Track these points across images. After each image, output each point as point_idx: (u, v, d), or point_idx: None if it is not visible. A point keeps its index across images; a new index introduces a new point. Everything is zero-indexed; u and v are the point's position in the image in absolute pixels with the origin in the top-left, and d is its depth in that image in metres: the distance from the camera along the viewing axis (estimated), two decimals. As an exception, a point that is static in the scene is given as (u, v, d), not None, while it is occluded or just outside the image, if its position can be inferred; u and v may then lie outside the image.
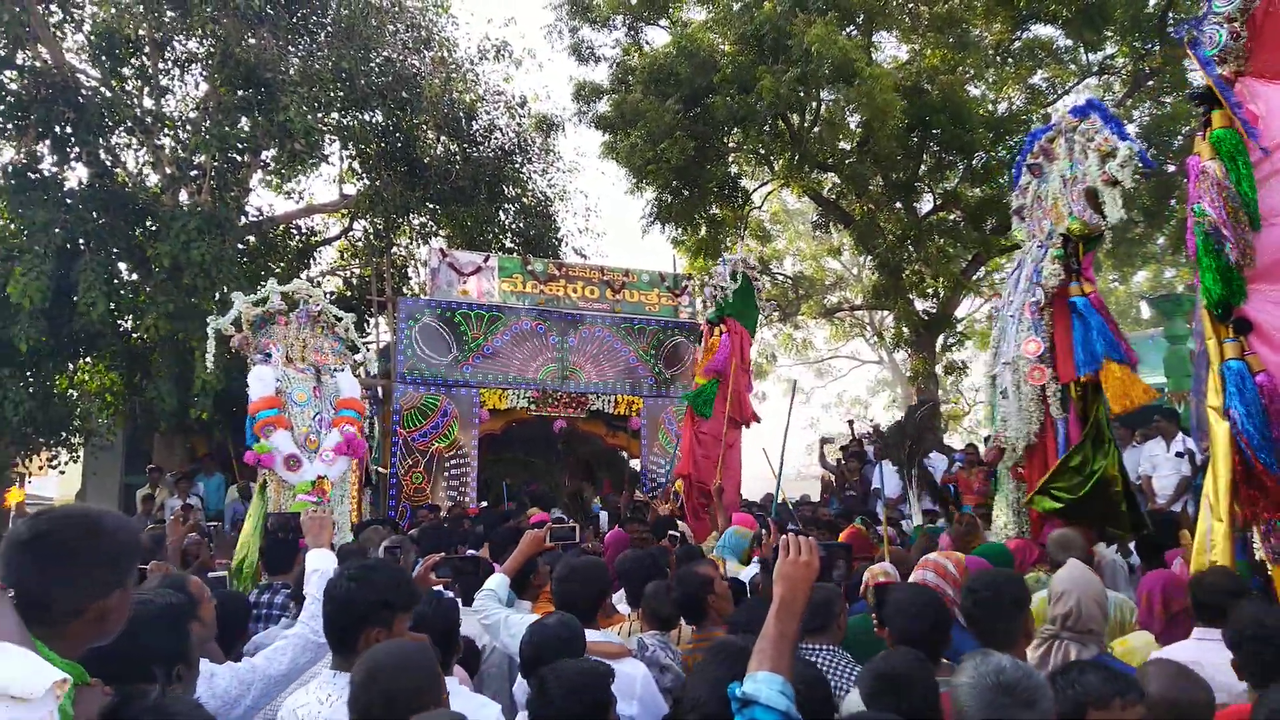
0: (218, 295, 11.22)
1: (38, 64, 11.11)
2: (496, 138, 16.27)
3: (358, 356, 7.42)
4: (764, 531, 5.64)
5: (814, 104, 14.22)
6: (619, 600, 4.04)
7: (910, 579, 3.39)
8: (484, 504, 11.05)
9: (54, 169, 11.54)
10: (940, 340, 17.49)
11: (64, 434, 12.36)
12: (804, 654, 2.74)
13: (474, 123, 16.01)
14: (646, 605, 3.38)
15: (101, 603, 1.54)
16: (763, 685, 1.72)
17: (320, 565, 2.68)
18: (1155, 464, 8.03)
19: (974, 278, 18.08)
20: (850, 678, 2.76)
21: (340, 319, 7.38)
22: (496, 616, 3.31)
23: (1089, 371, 4.84)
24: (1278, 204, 3.67)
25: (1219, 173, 3.59)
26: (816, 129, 14.40)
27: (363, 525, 7.13)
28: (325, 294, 16.15)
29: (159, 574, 3.05)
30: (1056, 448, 5.00)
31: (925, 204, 16.85)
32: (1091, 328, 4.87)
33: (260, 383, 6.63)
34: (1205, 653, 2.89)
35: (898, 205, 16.13)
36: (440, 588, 3.26)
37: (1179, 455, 7.83)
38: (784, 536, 2.02)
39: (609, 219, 48.25)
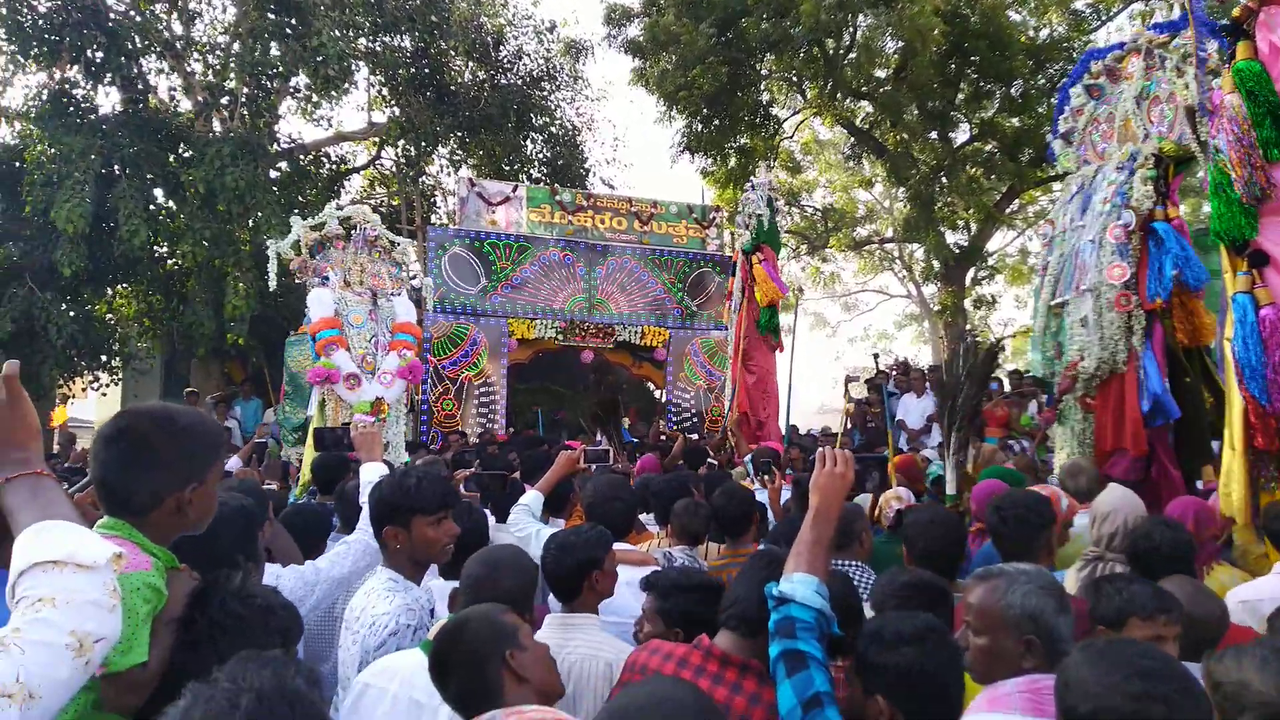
0: (251, 222, 11.35)
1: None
2: (525, 64, 16.09)
3: (414, 281, 7.51)
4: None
5: (851, 29, 13.88)
6: (649, 520, 4.19)
7: (1084, 508, 3.42)
8: (511, 430, 11.28)
9: (88, 95, 11.61)
10: (970, 274, 17.33)
11: (104, 358, 12.69)
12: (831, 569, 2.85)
13: (502, 48, 15.81)
14: (675, 521, 3.51)
15: (178, 494, 1.64)
16: (798, 585, 1.82)
17: (373, 477, 2.81)
18: None
19: (1007, 211, 17.80)
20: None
21: (397, 243, 7.43)
22: (528, 530, 3.46)
23: (1161, 298, 4.65)
24: None
25: (1236, 106, 3.54)
26: (852, 55, 14.08)
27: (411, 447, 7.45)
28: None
29: (240, 479, 3.21)
30: (1137, 378, 4.75)
31: (961, 135, 16.51)
32: (1170, 253, 4.64)
33: (319, 304, 6.75)
34: None
35: (932, 135, 15.82)
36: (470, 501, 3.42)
37: None
38: (820, 449, 2.10)
39: (636, 150, 47.68)
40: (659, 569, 2.86)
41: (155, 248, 12.12)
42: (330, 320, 6.69)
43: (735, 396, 8.43)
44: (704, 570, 3.15)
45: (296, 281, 7.31)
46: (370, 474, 2.89)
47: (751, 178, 9.88)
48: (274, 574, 2.54)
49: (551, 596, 2.62)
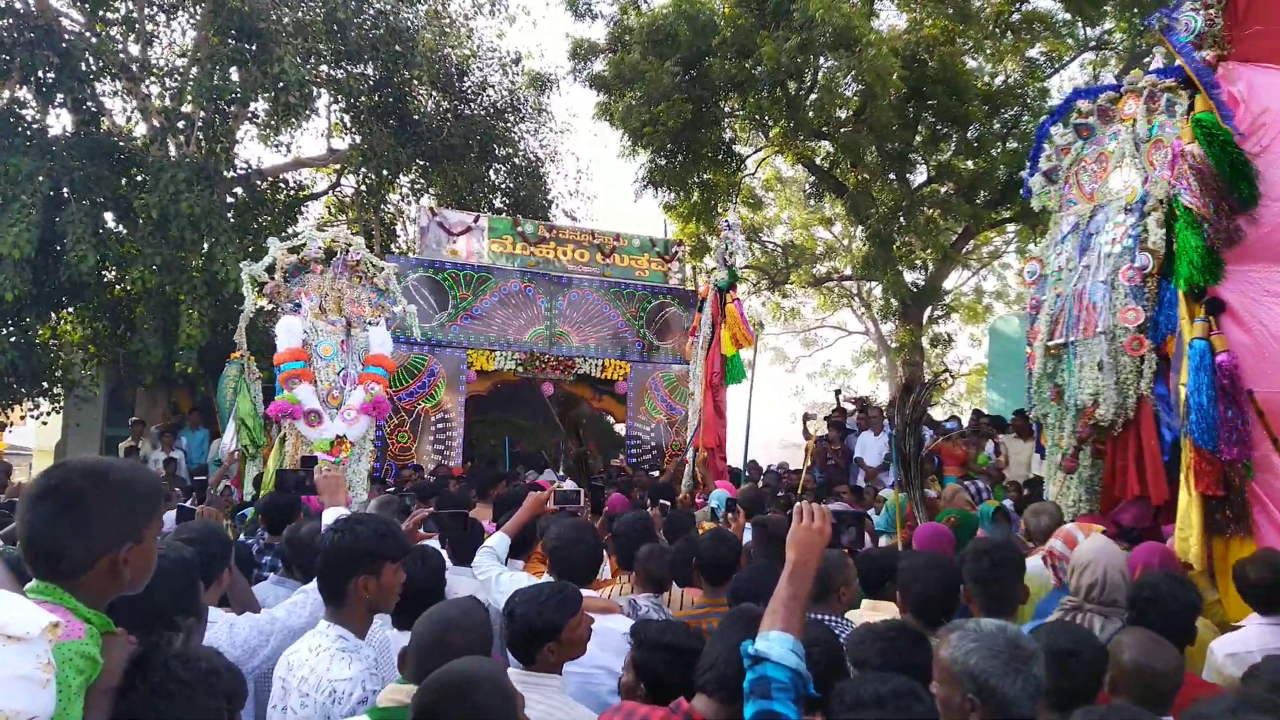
0: (205, 248, 11.11)
1: (18, 6, 10.85)
2: (489, 95, 16.09)
3: (397, 309, 7.17)
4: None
5: (812, 71, 14.13)
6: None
7: (1039, 551, 3.38)
8: (468, 464, 11.10)
9: (38, 115, 11.33)
10: (928, 312, 17.59)
11: (45, 384, 12.27)
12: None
13: (466, 79, 15.81)
14: (640, 567, 3.43)
15: (113, 555, 1.53)
16: (774, 644, 1.78)
17: None
18: None
19: (963, 251, 18.15)
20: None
21: (381, 269, 7.09)
22: (489, 574, 3.36)
23: (1160, 340, 4.55)
24: (1269, 184, 3.70)
25: (1198, 155, 3.63)
26: (814, 96, 14.32)
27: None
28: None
29: (203, 519, 3.08)
30: (1154, 423, 4.58)
31: (918, 176, 16.85)
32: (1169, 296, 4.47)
33: (288, 333, 6.47)
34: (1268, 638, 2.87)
35: (891, 176, 16.11)
36: (426, 543, 3.30)
37: None
38: (798, 503, 2.07)
39: (600, 183, 47.89)
40: (638, 620, 2.78)
41: (104, 273, 11.79)
42: (296, 352, 6.42)
43: (699, 431, 8.38)
44: (683, 625, 3.07)
45: (265, 306, 7.04)
46: (332, 519, 2.77)
47: (726, 216, 9.94)
48: (229, 622, 2.41)
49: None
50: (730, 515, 4.98)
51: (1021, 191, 6.03)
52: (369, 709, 1.97)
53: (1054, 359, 5.25)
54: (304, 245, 6.70)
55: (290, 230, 15.47)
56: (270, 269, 6.63)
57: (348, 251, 6.93)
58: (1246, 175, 3.63)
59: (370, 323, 6.89)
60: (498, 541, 3.53)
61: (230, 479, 8.18)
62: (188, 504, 5.13)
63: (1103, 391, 4.75)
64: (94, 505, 1.52)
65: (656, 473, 10.00)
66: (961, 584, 2.88)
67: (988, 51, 15.86)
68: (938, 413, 19.17)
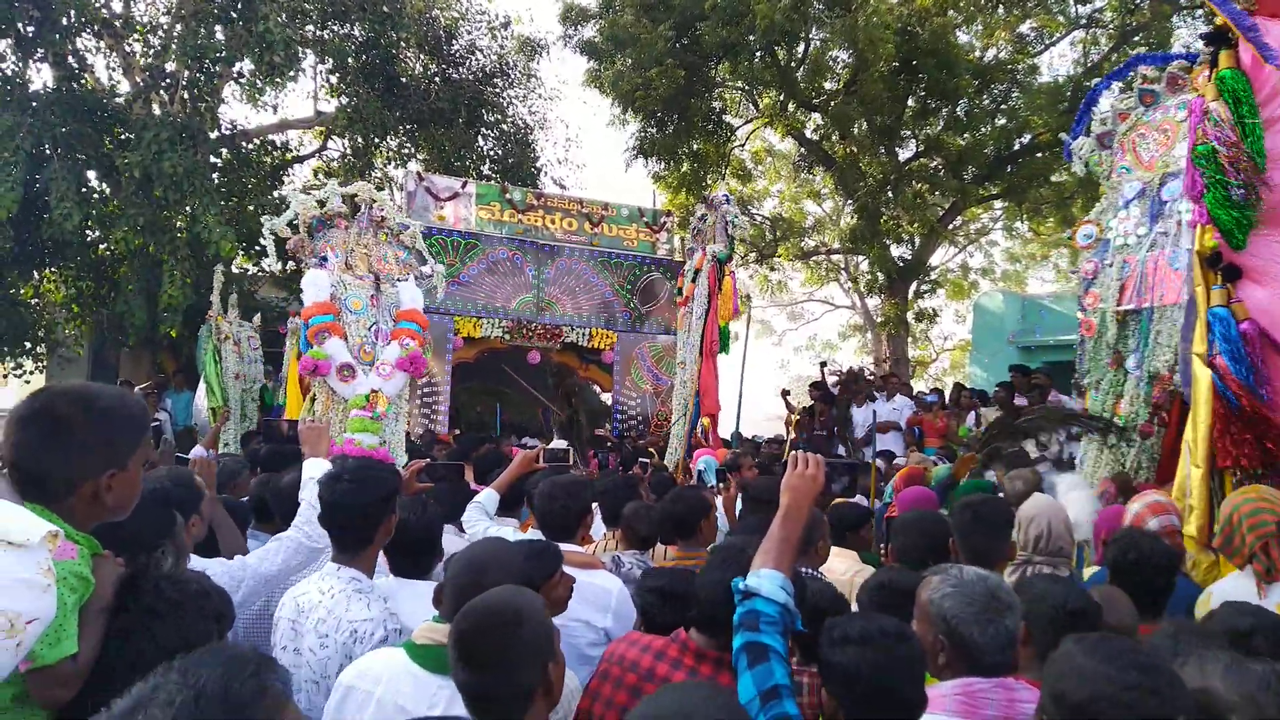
0: (189, 209, 11.01)
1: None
2: (477, 59, 15.93)
3: (425, 268, 6.82)
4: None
5: (805, 37, 14.05)
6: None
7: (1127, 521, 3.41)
8: (455, 431, 11.13)
9: (18, 70, 11.14)
10: (913, 287, 17.67)
11: (28, 344, 12.18)
12: None
13: (454, 42, 15.64)
14: (626, 525, 3.49)
15: (95, 481, 1.56)
16: (764, 580, 1.85)
17: (316, 473, 2.72)
18: None
19: (950, 226, 18.20)
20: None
21: (406, 226, 6.80)
22: (477, 528, 3.41)
23: None
24: None
25: (1224, 114, 3.54)
26: (805, 66, 14.26)
27: None
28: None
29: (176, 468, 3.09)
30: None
31: (907, 150, 16.84)
32: None
33: (314, 287, 6.15)
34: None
35: (880, 150, 16.10)
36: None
37: None
38: (793, 452, 2.15)
39: (589, 151, 47.55)
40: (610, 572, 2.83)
41: (87, 232, 11.67)
42: (325, 305, 6.08)
43: (701, 400, 8.42)
44: (671, 572, 3.13)
45: (293, 262, 6.60)
46: (313, 469, 2.79)
47: (716, 189, 9.97)
48: (200, 566, 2.44)
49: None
50: (721, 485, 5.05)
51: (1063, 153, 5.89)
52: (404, 643, 2.00)
53: (1118, 324, 5.17)
54: (327, 199, 6.40)
55: (275, 194, 15.40)
56: (293, 224, 6.34)
57: (372, 206, 6.59)
58: (1257, 136, 3.54)
59: (398, 279, 6.56)
60: (486, 497, 3.58)
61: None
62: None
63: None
64: (78, 430, 1.55)
65: (642, 443, 10.07)
66: (950, 537, 2.97)
67: (979, 25, 15.81)
68: (920, 385, 19.35)
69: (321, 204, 6.36)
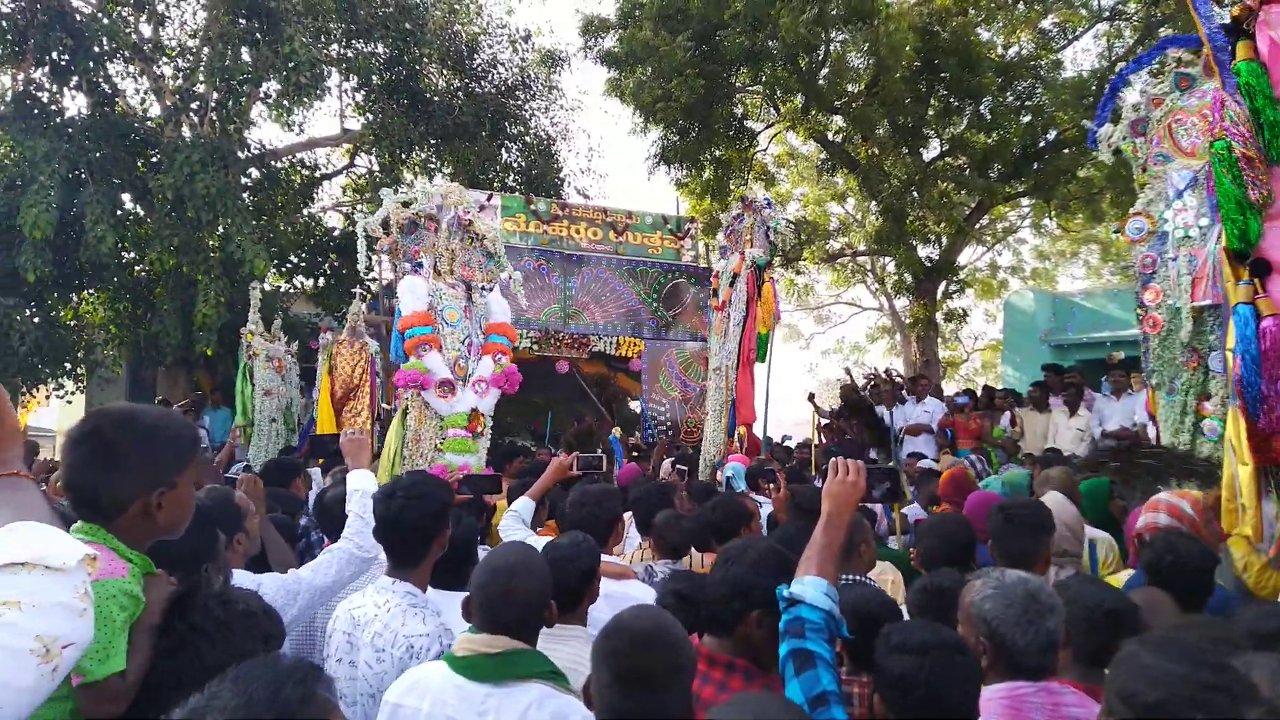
0: (221, 229, 11.20)
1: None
2: (499, 72, 16.08)
3: (504, 274, 6.46)
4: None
5: (826, 44, 14.02)
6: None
7: (1140, 523, 3.33)
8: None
9: (54, 97, 11.41)
10: (941, 288, 17.53)
11: (68, 365, 12.43)
12: None
13: (476, 56, 15.79)
14: (657, 534, 3.50)
15: (145, 499, 1.60)
16: (809, 587, 1.88)
17: (360, 485, 2.76)
18: None
19: (977, 225, 18.02)
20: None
21: (491, 230, 6.35)
22: (515, 537, 3.44)
23: None
24: None
25: (1239, 111, 3.47)
26: (826, 70, 14.23)
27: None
28: (327, 230, 16.13)
29: (219, 489, 3.14)
30: None
31: (931, 150, 16.72)
32: None
33: (412, 294, 5.70)
34: None
35: (903, 150, 16.01)
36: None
37: None
38: (833, 459, 2.17)
39: (612, 160, 47.75)
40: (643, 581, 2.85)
41: (123, 254, 11.91)
42: (425, 316, 5.65)
43: (737, 409, 8.33)
44: (689, 575, 3.13)
45: (379, 264, 6.23)
46: (357, 481, 2.83)
47: (743, 193, 9.81)
48: (255, 582, 2.48)
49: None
50: (771, 486, 5.02)
51: (1088, 142, 5.72)
52: (445, 655, 2.03)
53: (1193, 321, 4.89)
54: (415, 199, 6.00)
55: (305, 211, 15.62)
56: (385, 224, 5.93)
57: (459, 209, 6.14)
58: (1275, 129, 3.45)
59: (485, 288, 6.15)
60: (523, 506, 3.62)
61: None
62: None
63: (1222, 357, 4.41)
64: (123, 450, 1.59)
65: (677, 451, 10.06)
66: (972, 543, 2.96)
67: (1000, 23, 15.68)
68: (950, 387, 19.17)
69: (410, 204, 5.97)
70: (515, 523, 3.54)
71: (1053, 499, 3.32)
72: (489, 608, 2.00)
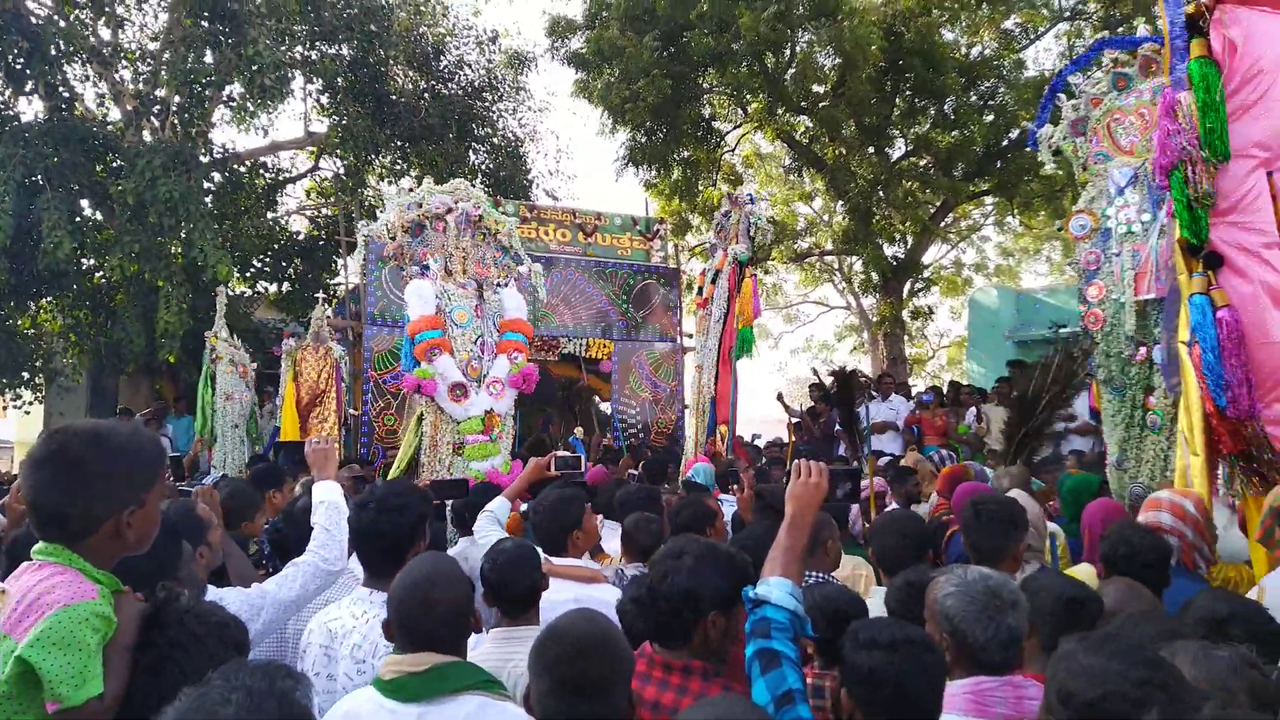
0: (184, 234, 11.04)
1: (-15, -9, 10.70)
2: (466, 74, 16.01)
3: (522, 267, 6.19)
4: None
5: (791, 44, 14.11)
6: (609, 538, 4.15)
7: (1142, 518, 3.30)
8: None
9: (9, 102, 11.19)
10: (908, 286, 17.71)
11: (26, 374, 12.19)
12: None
13: (443, 58, 15.71)
14: (626, 537, 3.50)
15: (115, 518, 1.59)
16: (774, 588, 1.91)
17: (326, 496, 2.72)
18: None
19: (942, 224, 18.24)
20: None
21: (504, 224, 6.16)
22: (488, 539, 3.43)
23: None
24: (1262, 133, 3.59)
25: (1191, 105, 3.54)
26: (792, 70, 14.33)
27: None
28: (294, 234, 15.96)
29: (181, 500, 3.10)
30: None
31: (896, 149, 16.90)
32: None
33: (419, 298, 5.60)
34: None
35: (869, 150, 16.17)
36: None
37: None
38: (796, 461, 2.19)
39: (580, 162, 47.63)
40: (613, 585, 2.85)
41: (82, 261, 11.70)
42: (433, 319, 5.55)
43: (716, 407, 8.31)
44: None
45: (391, 267, 6.13)
46: (324, 494, 2.80)
47: (720, 193, 9.82)
48: (216, 596, 2.44)
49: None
50: (735, 488, 5.05)
51: (1029, 143, 5.84)
52: (374, 681, 1.96)
53: (1137, 315, 4.97)
54: (422, 200, 5.85)
55: (269, 215, 15.45)
56: (389, 229, 5.80)
57: (467, 205, 5.96)
58: (1221, 129, 3.52)
59: (499, 284, 6.01)
60: (498, 506, 3.61)
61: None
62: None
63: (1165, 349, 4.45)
64: (93, 470, 1.57)
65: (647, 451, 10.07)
66: (927, 539, 3.01)
67: (964, 23, 15.89)
68: (918, 383, 19.38)
69: (416, 205, 5.84)
70: (490, 524, 3.53)
71: (1016, 495, 3.38)
72: (408, 624, 1.94)
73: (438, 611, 1.93)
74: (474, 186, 6.18)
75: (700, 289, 8.73)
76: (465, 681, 1.89)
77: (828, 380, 11.56)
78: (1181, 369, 3.72)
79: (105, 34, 12.22)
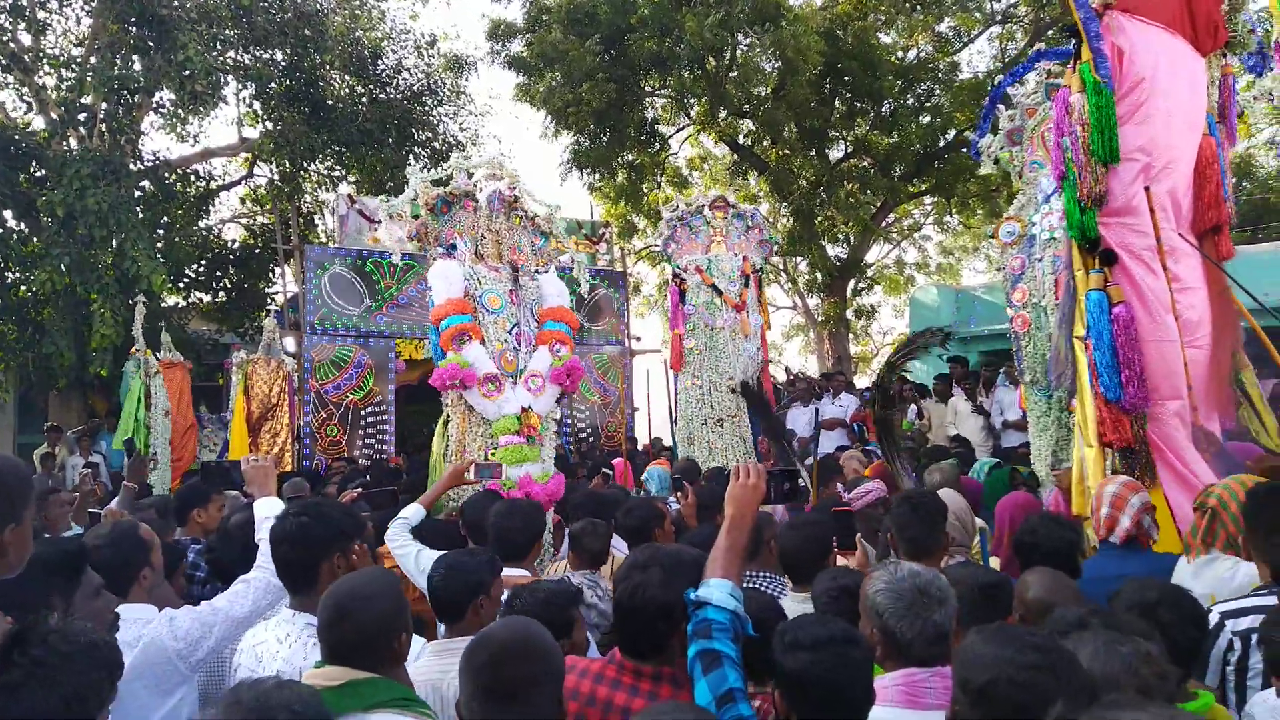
0: (114, 245, 10.72)
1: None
2: (405, 78, 15.83)
3: (564, 258, 5.74)
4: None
5: (732, 48, 14.24)
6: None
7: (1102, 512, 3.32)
8: (405, 455, 10.98)
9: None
10: (851, 285, 17.98)
11: (-49, 392, 11.74)
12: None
13: (380, 62, 15.52)
14: (574, 544, 3.49)
15: None
16: (714, 589, 1.94)
17: (270, 512, 2.67)
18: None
19: (883, 224, 18.56)
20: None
21: (545, 207, 5.64)
22: (409, 550, 3.38)
23: None
24: (1143, 139, 3.72)
25: (1083, 107, 3.65)
26: (733, 74, 14.45)
27: (284, 477, 6.91)
28: (228, 243, 15.58)
29: (110, 520, 3.01)
30: None
31: (837, 151, 17.15)
32: None
33: (445, 280, 4.97)
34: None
35: (810, 152, 16.38)
36: None
37: None
38: (735, 463, 2.27)
39: (523, 165, 47.28)
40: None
41: (5, 275, 11.29)
42: (460, 303, 4.90)
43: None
44: (605, 593, 3.14)
45: (418, 251, 5.61)
46: (267, 509, 2.74)
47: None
48: (168, 616, 2.38)
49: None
50: (679, 495, 5.05)
51: (970, 153, 5.98)
52: None
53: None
54: (450, 177, 5.30)
55: (202, 224, 15.07)
56: (414, 206, 5.30)
57: (502, 185, 5.41)
58: (1111, 131, 3.62)
59: (537, 271, 5.44)
60: (413, 513, 3.56)
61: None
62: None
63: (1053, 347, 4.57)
64: None
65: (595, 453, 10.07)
66: (828, 544, 3.07)
67: (900, 27, 16.20)
68: (861, 381, 19.66)
69: (444, 182, 5.31)
70: (403, 532, 3.46)
71: (945, 493, 3.45)
72: (327, 638, 1.92)
73: (356, 626, 1.89)
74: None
75: (714, 287, 8.58)
76: (379, 698, 1.85)
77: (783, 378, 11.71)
78: (1076, 363, 3.83)
79: (26, 39, 11.81)
